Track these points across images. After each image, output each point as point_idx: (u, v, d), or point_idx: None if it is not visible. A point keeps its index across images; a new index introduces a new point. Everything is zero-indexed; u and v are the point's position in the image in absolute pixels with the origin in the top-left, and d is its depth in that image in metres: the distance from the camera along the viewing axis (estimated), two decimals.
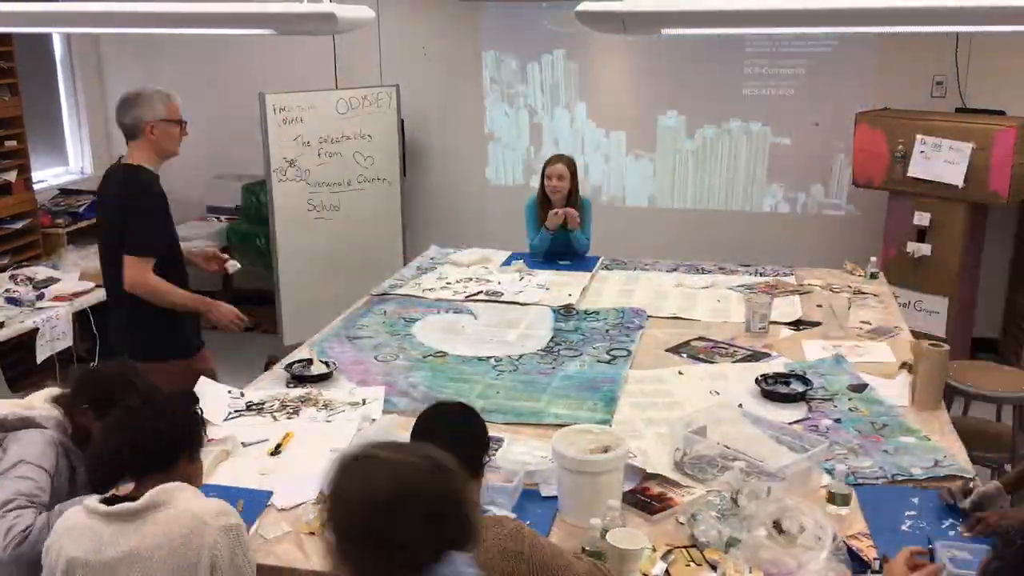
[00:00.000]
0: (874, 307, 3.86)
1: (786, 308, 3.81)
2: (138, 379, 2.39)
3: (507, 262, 4.58)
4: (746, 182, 5.82)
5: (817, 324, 3.64)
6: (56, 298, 4.70)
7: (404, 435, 2.57)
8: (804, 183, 5.74)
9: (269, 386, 3.10)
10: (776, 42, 5.53)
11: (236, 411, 2.88)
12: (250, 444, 2.66)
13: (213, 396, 2.93)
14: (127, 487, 1.94)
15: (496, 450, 2.57)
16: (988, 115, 4.97)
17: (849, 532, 2.16)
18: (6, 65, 5.20)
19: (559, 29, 5.77)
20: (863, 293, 4.03)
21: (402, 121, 5.95)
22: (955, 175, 4.79)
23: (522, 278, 4.30)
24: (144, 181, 3.17)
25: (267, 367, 3.73)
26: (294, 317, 5.36)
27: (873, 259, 4.35)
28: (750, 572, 2.00)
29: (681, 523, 2.20)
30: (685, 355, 3.36)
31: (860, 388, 3.02)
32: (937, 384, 2.90)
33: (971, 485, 2.29)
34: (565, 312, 3.84)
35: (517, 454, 2.52)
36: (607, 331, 3.60)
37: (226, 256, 3.62)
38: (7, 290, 4.68)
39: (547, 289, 4.13)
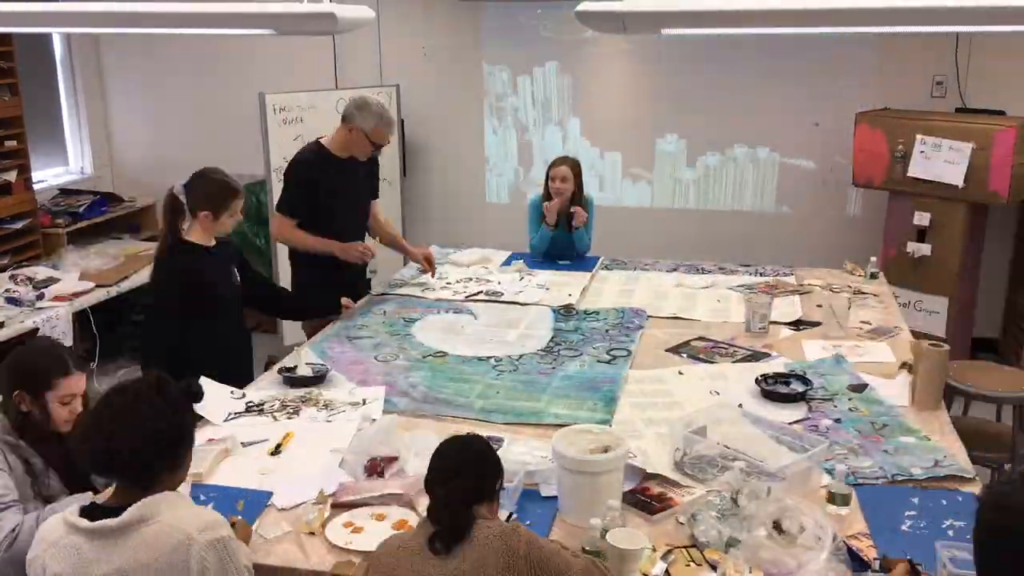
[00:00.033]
0: (874, 307, 3.86)
1: (786, 308, 3.81)
2: (66, 352, 2.40)
3: (507, 262, 4.58)
4: (746, 182, 5.83)
5: (817, 324, 3.64)
6: (56, 298, 4.70)
7: (404, 435, 2.59)
8: (805, 183, 5.74)
9: (269, 386, 3.10)
10: (776, 42, 5.54)
11: (236, 412, 2.87)
12: (250, 444, 2.66)
13: (214, 396, 2.92)
14: (107, 491, 1.90)
15: (496, 450, 2.57)
16: (988, 115, 4.98)
17: (849, 532, 2.16)
18: (6, 65, 5.20)
19: (557, 37, 5.77)
20: (863, 293, 4.03)
21: (402, 121, 5.95)
22: (955, 175, 4.79)
23: (522, 278, 4.30)
24: (296, 156, 3.86)
25: (267, 367, 3.73)
26: None
27: (873, 259, 4.35)
28: (750, 572, 1.99)
29: (681, 523, 2.20)
30: (685, 355, 3.36)
31: (860, 388, 3.01)
32: (937, 384, 2.90)
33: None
34: (565, 312, 3.84)
35: (517, 454, 2.51)
36: (607, 331, 3.60)
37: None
38: (7, 290, 4.68)
39: (547, 289, 4.13)
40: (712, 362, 3.29)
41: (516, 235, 4.82)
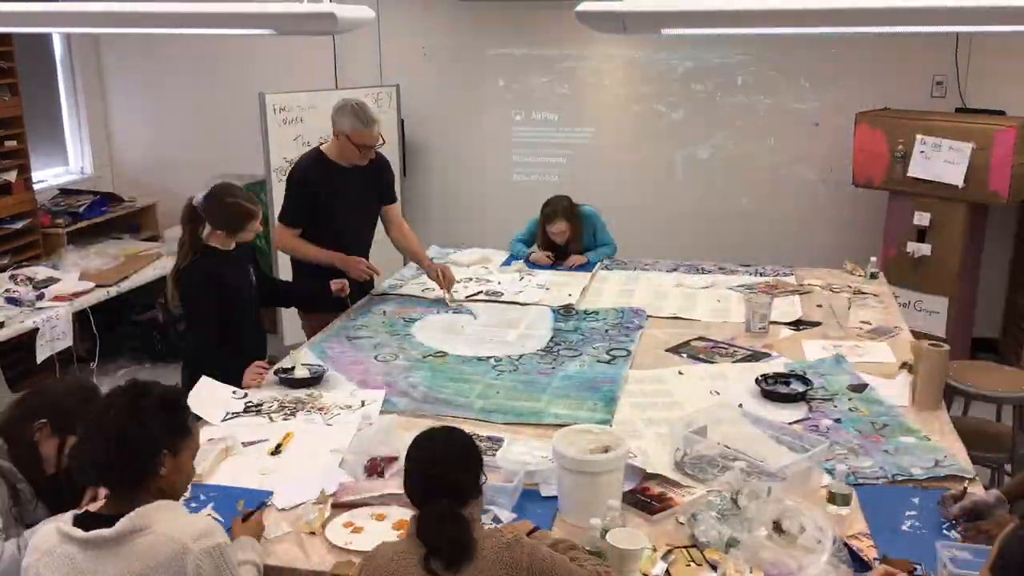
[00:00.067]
0: (874, 307, 3.86)
1: (786, 308, 3.80)
2: (95, 395, 2.34)
3: (507, 262, 4.59)
4: (746, 182, 5.83)
5: (817, 324, 3.64)
6: (56, 298, 4.70)
7: (404, 435, 2.58)
8: (804, 182, 5.74)
9: (268, 387, 3.10)
10: (776, 42, 5.54)
11: (233, 412, 2.87)
12: (250, 444, 2.66)
13: (213, 396, 2.93)
14: (99, 502, 1.89)
15: (496, 450, 2.58)
16: (988, 115, 4.98)
17: (849, 532, 2.16)
18: (6, 65, 5.20)
19: (557, 37, 5.77)
20: (863, 293, 4.03)
21: (402, 121, 5.95)
22: (955, 175, 4.79)
23: (522, 278, 4.31)
24: (295, 162, 3.84)
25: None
26: (294, 317, 5.35)
27: (873, 259, 4.35)
28: (750, 572, 1.99)
29: (681, 523, 2.20)
30: (685, 355, 3.36)
31: (860, 388, 3.01)
32: (937, 384, 2.90)
33: (965, 487, 2.28)
34: (565, 312, 3.84)
35: (517, 454, 2.52)
36: (607, 331, 3.60)
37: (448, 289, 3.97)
38: (7, 290, 4.68)
39: (547, 289, 4.13)
40: (712, 362, 3.29)
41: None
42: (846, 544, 2.07)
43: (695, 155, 5.87)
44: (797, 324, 3.65)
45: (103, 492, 2.02)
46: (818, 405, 2.89)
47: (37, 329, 4.44)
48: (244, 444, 2.65)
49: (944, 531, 2.19)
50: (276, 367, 3.21)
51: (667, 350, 3.41)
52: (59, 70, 6.32)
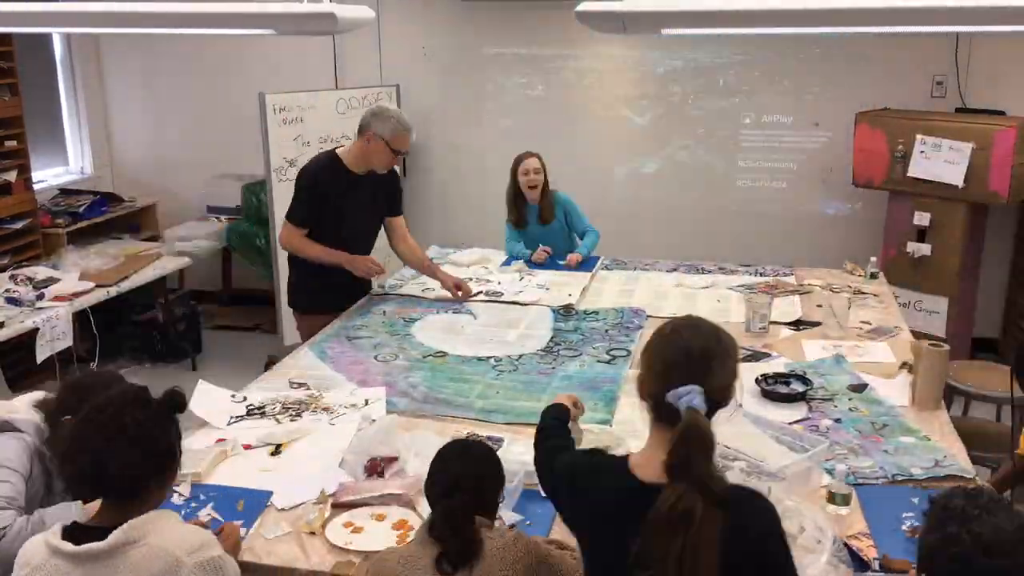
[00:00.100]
0: (874, 307, 3.87)
1: (786, 308, 3.81)
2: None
3: (507, 262, 4.59)
4: (746, 182, 5.83)
5: (817, 324, 3.64)
6: (56, 298, 4.70)
7: (404, 435, 2.59)
8: (805, 183, 5.74)
9: (270, 387, 3.09)
10: (776, 42, 5.54)
11: (237, 416, 2.85)
12: (260, 446, 2.65)
13: (215, 401, 2.92)
14: (92, 508, 1.86)
15: (496, 450, 2.57)
16: (988, 115, 4.98)
17: (849, 532, 2.16)
18: (6, 65, 5.20)
19: (557, 36, 5.78)
20: (863, 293, 4.03)
21: None
22: (955, 175, 4.79)
23: (522, 278, 4.31)
24: (308, 164, 3.80)
25: (267, 367, 3.74)
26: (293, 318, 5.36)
27: (873, 259, 4.35)
28: None
29: None
30: None
31: (860, 388, 3.01)
32: (937, 384, 2.90)
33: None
34: (565, 312, 3.84)
35: (517, 454, 2.51)
36: (607, 331, 3.60)
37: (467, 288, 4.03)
38: (7, 290, 4.68)
39: (547, 289, 4.13)
40: None
41: None
42: (846, 544, 2.07)
43: (695, 155, 5.86)
44: (797, 324, 3.65)
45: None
46: (818, 405, 2.89)
47: (37, 329, 4.44)
48: (254, 446, 2.64)
49: None
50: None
51: None
52: (59, 70, 6.32)
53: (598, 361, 3.29)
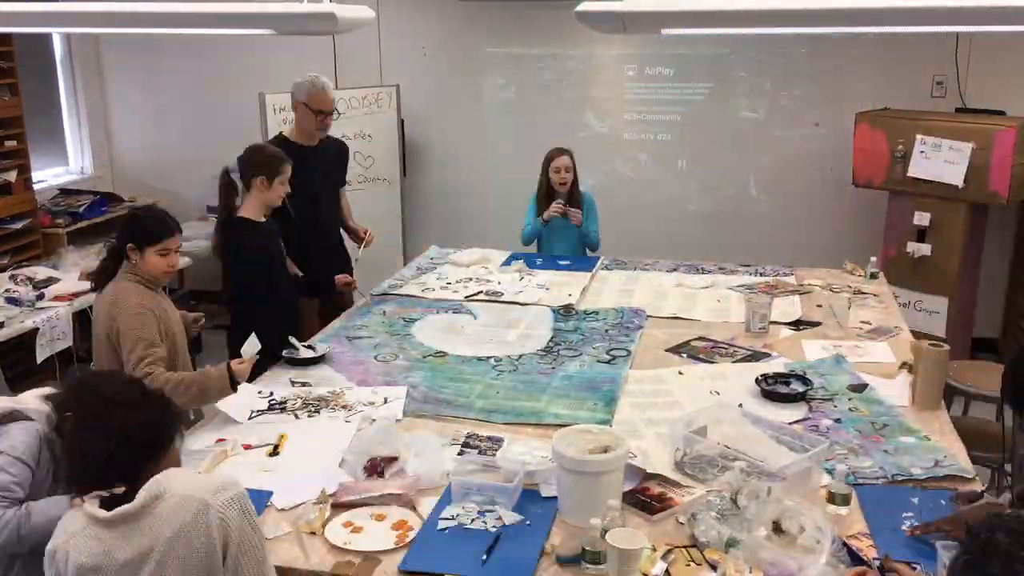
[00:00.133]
0: (874, 307, 3.87)
1: (786, 308, 3.81)
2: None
3: (507, 262, 4.59)
4: (746, 182, 5.83)
5: (817, 324, 3.64)
6: (56, 298, 4.70)
7: (404, 435, 2.59)
8: (805, 183, 5.74)
9: (287, 382, 3.11)
10: (776, 42, 5.55)
11: (258, 410, 2.88)
12: (266, 445, 2.66)
13: (239, 395, 2.93)
14: (78, 503, 1.91)
15: (496, 450, 2.58)
16: (988, 115, 4.98)
17: (849, 532, 2.16)
18: (6, 65, 5.20)
19: (557, 36, 5.78)
20: (863, 293, 4.03)
21: (402, 121, 5.96)
22: (955, 175, 4.79)
23: (522, 278, 4.31)
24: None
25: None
26: None
27: (873, 259, 4.36)
28: (750, 572, 1.99)
29: (681, 523, 2.20)
30: (685, 355, 3.36)
31: (860, 388, 3.02)
32: (937, 384, 2.90)
33: (983, 491, 2.28)
34: (565, 312, 3.84)
35: (517, 454, 2.52)
36: (607, 331, 3.60)
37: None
38: (7, 290, 4.68)
39: (547, 289, 4.13)
40: (712, 362, 3.29)
41: (516, 235, 4.83)
42: (845, 544, 2.07)
43: (695, 155, 5.87)
44: (797, 324, 3.65)
45: None
46: (818, 405, 2.89)
47: (37, 329, 4.44)
48: (245, 447, 2.64)
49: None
50: (284, 352, 3.29)
51: (667, 350, 3.41)
52: (59, 70, 6.31)
53: (598, 361, 3.29)
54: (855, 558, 2.04)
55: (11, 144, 5.27)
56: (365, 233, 4.21)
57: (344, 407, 2.90)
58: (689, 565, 2.05)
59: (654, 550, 2.08)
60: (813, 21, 2.20)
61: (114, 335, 2.83)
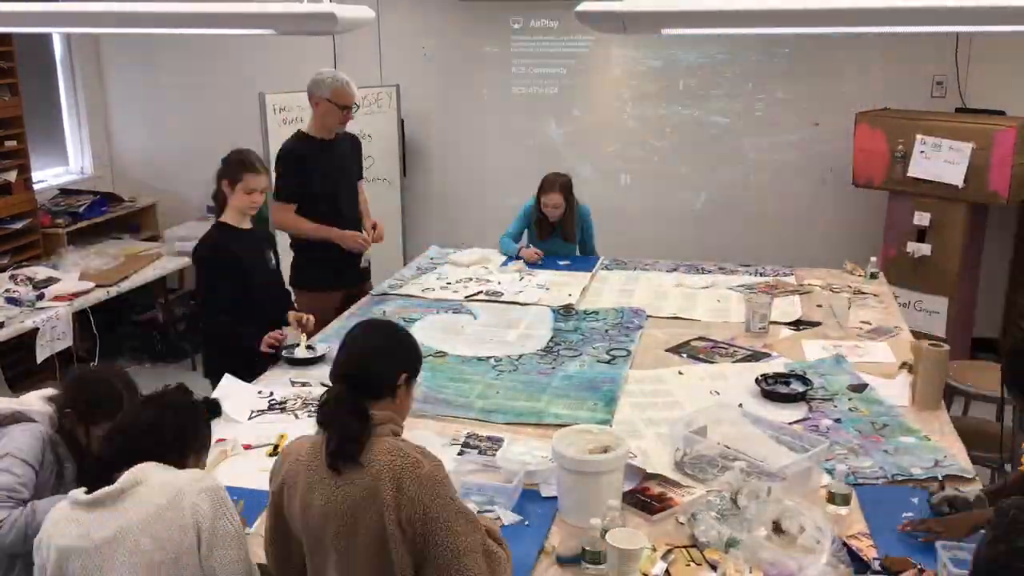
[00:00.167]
0: (874, 307, 3.86)
1: (786, 308, 3.81)
2: (126, 386, 2.40)
3: (506, 262, 4.58)
4: (746, 182, 5.83)
5: (817, 324, 3.64)
6: (56, 298, 4.70)
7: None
8: (805, 183, 5.74)
9: (287, 382, 3.11)
10: (776, 42, 5.54)
11: (259, 410, 2.88)
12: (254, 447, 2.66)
13: (239, 394, 2.93)
14: None
15: (496, 450, 2.58)
16: (988, 115, 4.97)
17: (849, 532, 2.16)
18: (6, 65, 5.20)
19: (557, 36, 5.78)
20: (863, 293, 4.03)
21: (402, 121, 5.95)
22: (955, 175, 4.79)
23: (522, 278, 4.31)
24: (281, 147, 3.99)
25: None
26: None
27: (873, 259, 4.35)
28: (750, 572, 1.99)
29: (681, 523, 2.20)
30: (685, 355, 3.36)
31: (860, 388, 3.01)
32: (937, 384, 2.90)
33: (942, 482, 2.32)
34: (565, 312, 3.84)
35: (517, 454, 2.52)
36: (607, 331, 3.60)
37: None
38: (7, 290, 4.68)
39: (547, 289, 4.13)
40: (712, 362, 3.29)
41: None
42: (845, 544, 2.07)
43: (695, 154, 5.86)
44: (797, 324, 3.65)
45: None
46: (818, 405, 2.89)
47: (37, 329, 4.44)
48: (245, 447, 2.64)
49: None
50: (284, 352, 3.30)
51: (667, 350, 3.41)
52: (59, 70, 6.32)
53: (598, 361, 3.29)
54: (855, 558, 2.04)
55: (11, 144, 5.27)
56: (374, 228, 4.17)
57: None
58: (689, 565, 2.05)
59: (654, 550, 2.08)
60: (813, 21, 2.20)
61: None
